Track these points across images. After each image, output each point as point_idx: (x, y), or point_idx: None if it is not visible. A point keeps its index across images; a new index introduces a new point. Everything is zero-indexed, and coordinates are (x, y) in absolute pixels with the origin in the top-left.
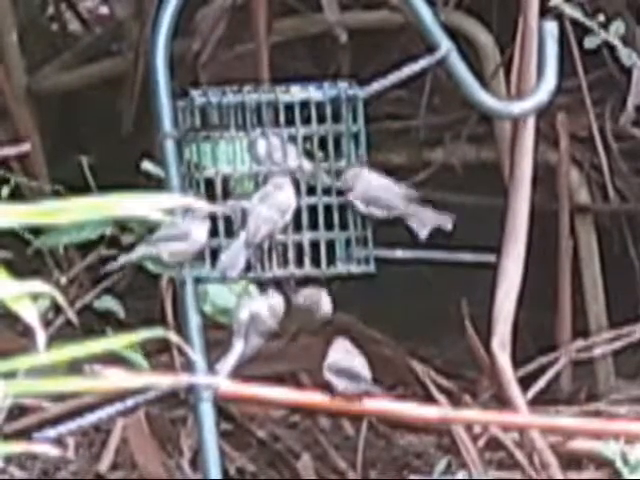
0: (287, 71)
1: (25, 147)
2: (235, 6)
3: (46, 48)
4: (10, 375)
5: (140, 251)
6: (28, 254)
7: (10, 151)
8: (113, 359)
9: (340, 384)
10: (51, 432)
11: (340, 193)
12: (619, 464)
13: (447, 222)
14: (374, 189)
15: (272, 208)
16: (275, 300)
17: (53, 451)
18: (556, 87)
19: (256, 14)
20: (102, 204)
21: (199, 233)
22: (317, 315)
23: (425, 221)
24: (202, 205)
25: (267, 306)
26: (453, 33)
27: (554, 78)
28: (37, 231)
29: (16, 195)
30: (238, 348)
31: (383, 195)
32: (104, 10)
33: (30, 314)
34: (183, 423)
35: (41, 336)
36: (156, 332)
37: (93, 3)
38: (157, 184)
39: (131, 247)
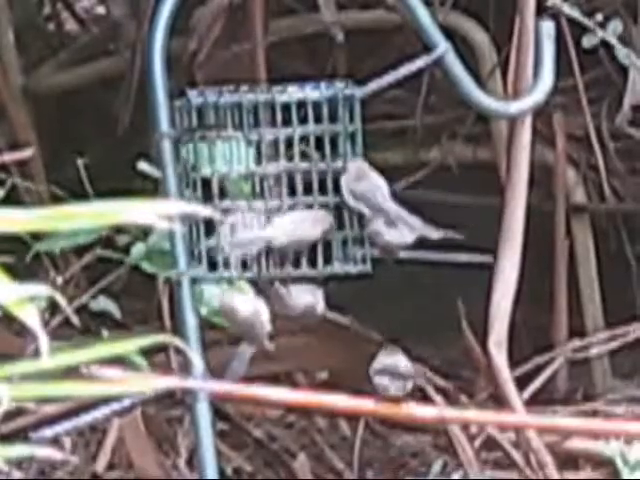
0: (284, 71)
1: (25, 154)
2: (232, 6)
3: (42, 48)
4: (6, 378)
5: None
6: (24, 254)
7: (10, 157)
8: (109, 358)
9: (385, 385)
10: (47, 432)
11: (336, 191)
12: (619, 463)
13: (432, 233)
14: (366, 186)
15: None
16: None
17: (55, 454)
18: (553, 87)
19: (253, 14)
20: (104, 211)
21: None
22: (311, 314)
23: (413, 227)
24: (204, 212)
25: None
26: (450, 32)
27: (551, 78)
28: (35, 234)
29: (13, 195)
30: (243, 352)
31: (373, 195)
32: (101, 10)
33: (32, 319)
34: (180, 423)
35: (44, 342)
36: (157, 338)
37: (90, 3)
38: (154, 184)
39: (127, 248)
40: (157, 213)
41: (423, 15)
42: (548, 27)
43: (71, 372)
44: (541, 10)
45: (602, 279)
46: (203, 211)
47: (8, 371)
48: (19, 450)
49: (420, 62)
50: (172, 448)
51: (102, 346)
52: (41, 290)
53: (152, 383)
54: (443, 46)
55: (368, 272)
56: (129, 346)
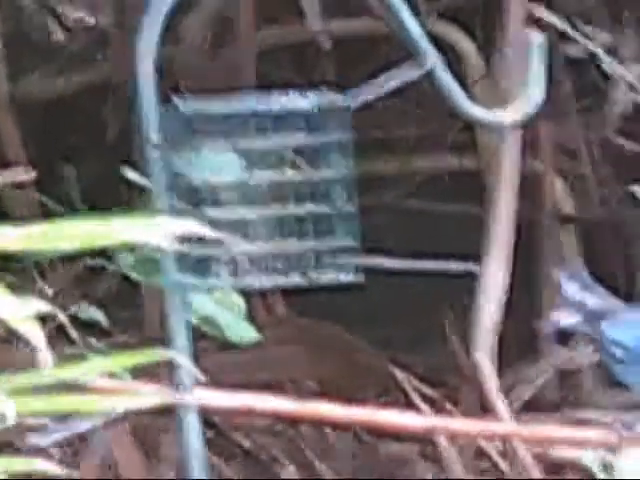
0: (272, 79)
1: (22, 177)
2: (220, 14)
3: (30, 56)
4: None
5: None
6: (11, 264)
7: (7, 177)
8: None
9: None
10: (37, 442)
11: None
12: (597, 472)
13: None
14: None
15: None
16: None
17: (54, 468)
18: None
19: (241, 22)
20: (98, 232)
21: None
22: None
23: None
24: (205, 231)
25: None
26: (437, 42)
27: (542, 88)
28: None
29: (0, 203)
30: None
31: None
32: (89, 19)
33: (37, 335)
34: (168, 432)
35: (48, 357)
36: (154, 355)
37: (78, 12)
38: (139, 192)
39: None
40: (153, 233)
41: (413, 27)
42: (538, 38)
43: (60, 384)
44: (528, 20)
45: None
46: (197, 228)
47: (7, 384)
48: (20, 464)
49: (412, 74)
50: (160, 457)
51: (99, 361)
52: (45, 308)
53: (141, 394)
54: (434, 58)
55: (359, 282)
56: (126, 361)
